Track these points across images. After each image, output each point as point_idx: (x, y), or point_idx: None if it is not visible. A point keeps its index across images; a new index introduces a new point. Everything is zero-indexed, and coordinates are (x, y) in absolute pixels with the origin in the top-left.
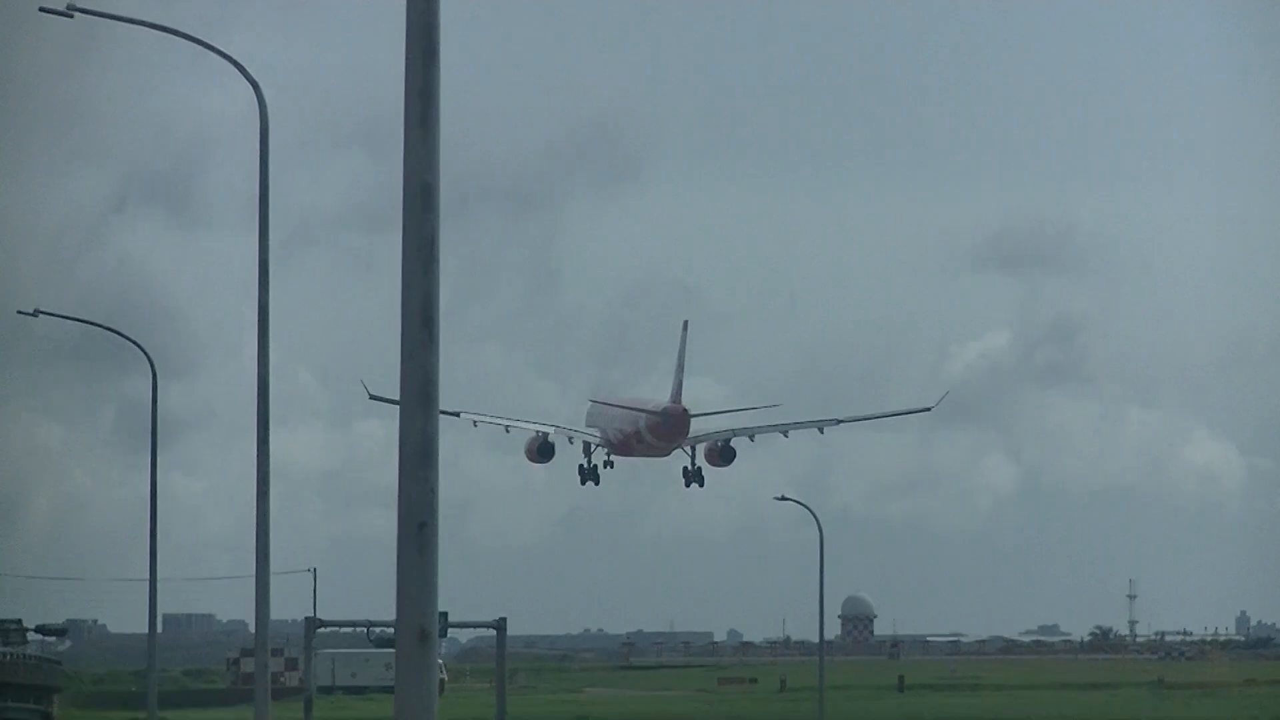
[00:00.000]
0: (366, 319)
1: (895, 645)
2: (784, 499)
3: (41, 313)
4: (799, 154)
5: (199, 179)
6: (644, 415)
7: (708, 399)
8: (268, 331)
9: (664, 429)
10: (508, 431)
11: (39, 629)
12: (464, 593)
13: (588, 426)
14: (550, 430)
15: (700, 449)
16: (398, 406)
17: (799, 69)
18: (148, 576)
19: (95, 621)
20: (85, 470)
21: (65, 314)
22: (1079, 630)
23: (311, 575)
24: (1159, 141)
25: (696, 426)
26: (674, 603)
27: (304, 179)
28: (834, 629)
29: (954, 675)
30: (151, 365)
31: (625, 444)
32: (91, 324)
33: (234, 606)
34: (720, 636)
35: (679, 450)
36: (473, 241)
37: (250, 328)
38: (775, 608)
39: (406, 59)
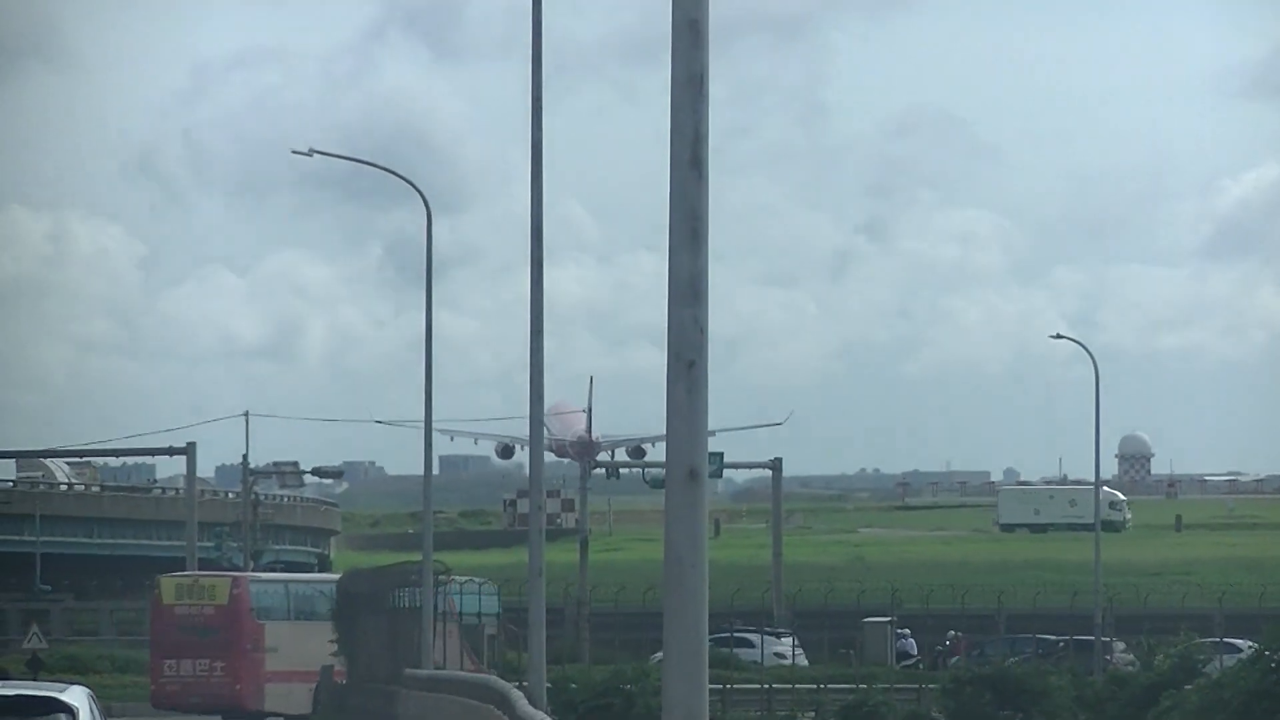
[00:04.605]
0: (632, 152)
1: (1173, 484)
2: (1059, 337)
3: (316, 152)
4: None
5: (460, 8)
6: (568, 442)
7: (978, 231)
8: (541, 169)
9: (578, 452)
10: (476, 443)
11: (315, 471)
12: (740, 432)
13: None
14: (509, 439)
15: (618, 452)
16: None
17: None
18: (423, 418)
19: (372, 463)
20: (356, 309)
21: (338, 153)
22: None
23: (587, 415)
24: None
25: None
26: (950, 441)
27: (568, 9)
28: (1111, 468)
29: (1231, 514)
30: (426, 205)
31: (560, 452)
32: (366, 163)
33: None
34: (996, 476)
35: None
36: (739, 73)
37: (517, 162)
38: (1051, 446)
39: None
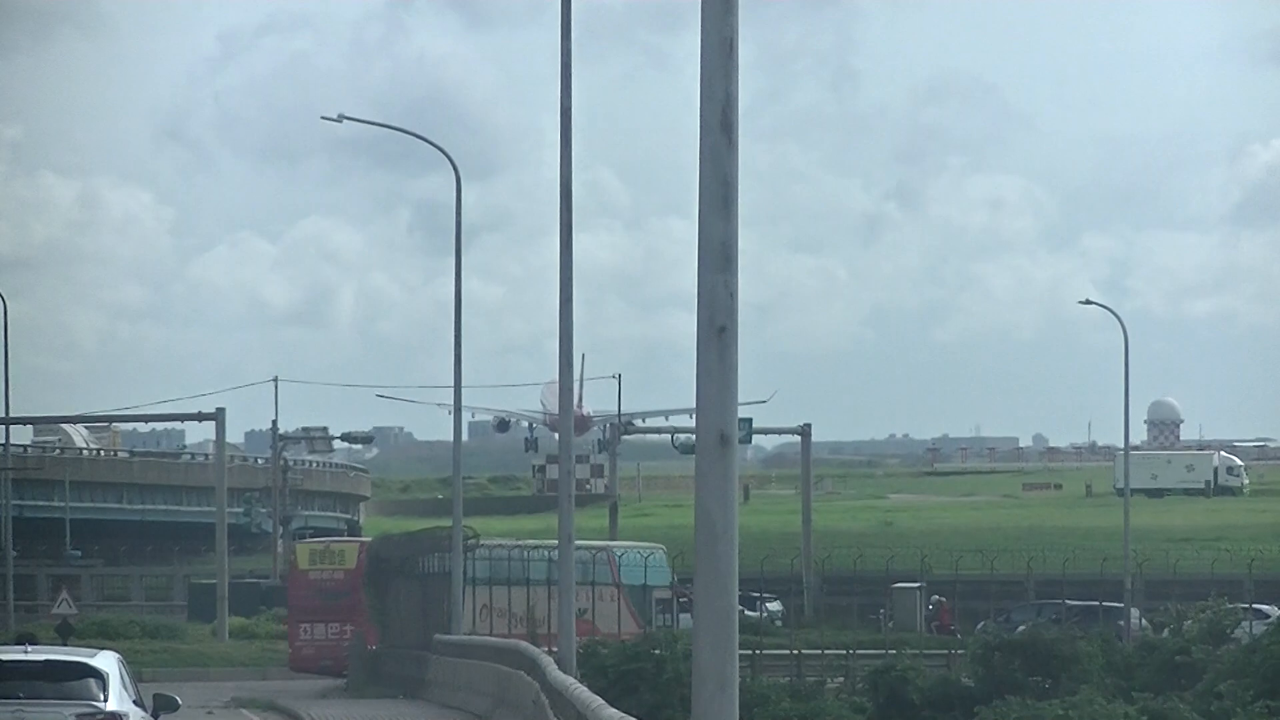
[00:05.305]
0: (661, 118)
1: (1202, 450)
2: (1088, 303)
3: (347, 118)
4: None
5: None
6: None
7: (1008, 197)
8: (570, 134)
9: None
10: (474, 417)
11: (345, 437)
12: (771, 398)
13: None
14: (504, 413)
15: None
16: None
17: None
18: (453, 383)
19: (401, 429)
20: (386, 275)
21: (368, 119)
22: None
23: (616, 381)
24: None
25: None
26: (979, 407)
27: None
28: (1140, 433)
29: (1261, 480)
30: (456, 172)
31: (553, 426)
32: (396, 129)
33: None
34: (1025, 441)
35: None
36: (769, 38)
37: (546, 128)
38: (1080, 412)
39: None
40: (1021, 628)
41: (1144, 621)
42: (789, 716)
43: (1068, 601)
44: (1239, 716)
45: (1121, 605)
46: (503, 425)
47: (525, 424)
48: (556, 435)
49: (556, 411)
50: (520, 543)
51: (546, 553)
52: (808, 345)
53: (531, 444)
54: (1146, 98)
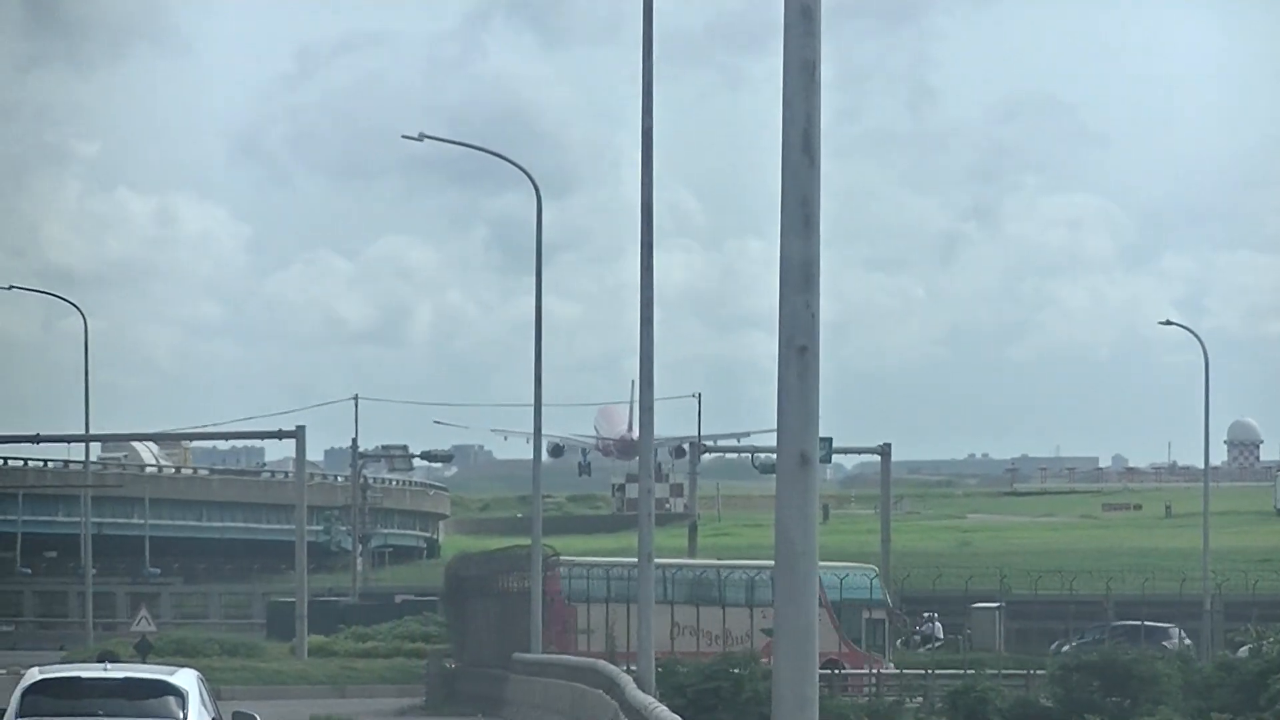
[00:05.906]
0: (737, 138)
1: None
2: (1169, 323)
3: (428, 137)
4: None
5: None
6: (611, 441)
7: (1085, 216)
8: (651, 155)
9: (620, 450)
10: (528, 442)
11: (425, 455)
12: (849, 418)
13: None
14: (559, 438)
15: (663, 451)
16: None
17: None
18: (533, 402)
19: (481, 447)
20: (462, 293)
21: (449, 138)
22: None
23: (696, 400)
24: None
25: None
26: (1058, 427)
27: None
28: (1220, 454)
29: None
30: (537, 192)
31: (606, 452)
32: (475, 148)
33: None
34: (1105, 462)
35: None
36: (846, 57)
37: (622, 146)
38: (1160, 432)
39: None
40: (1065, 648)
41: (1186, 641)
42: None
43: (1130, 622)
44: None
45: (1165, 626)
46: (556, 450)
47: (580, 450)
48: (610, 460)
49: (609, 436)
50: (716, 563)
51: (743, 574)
52: (885, 364)
53: (585, 468)
54: (1223, 116)
